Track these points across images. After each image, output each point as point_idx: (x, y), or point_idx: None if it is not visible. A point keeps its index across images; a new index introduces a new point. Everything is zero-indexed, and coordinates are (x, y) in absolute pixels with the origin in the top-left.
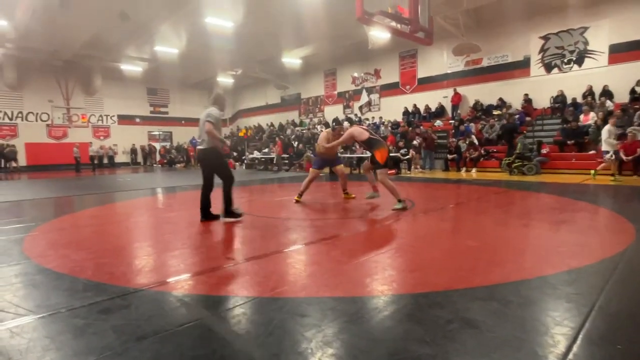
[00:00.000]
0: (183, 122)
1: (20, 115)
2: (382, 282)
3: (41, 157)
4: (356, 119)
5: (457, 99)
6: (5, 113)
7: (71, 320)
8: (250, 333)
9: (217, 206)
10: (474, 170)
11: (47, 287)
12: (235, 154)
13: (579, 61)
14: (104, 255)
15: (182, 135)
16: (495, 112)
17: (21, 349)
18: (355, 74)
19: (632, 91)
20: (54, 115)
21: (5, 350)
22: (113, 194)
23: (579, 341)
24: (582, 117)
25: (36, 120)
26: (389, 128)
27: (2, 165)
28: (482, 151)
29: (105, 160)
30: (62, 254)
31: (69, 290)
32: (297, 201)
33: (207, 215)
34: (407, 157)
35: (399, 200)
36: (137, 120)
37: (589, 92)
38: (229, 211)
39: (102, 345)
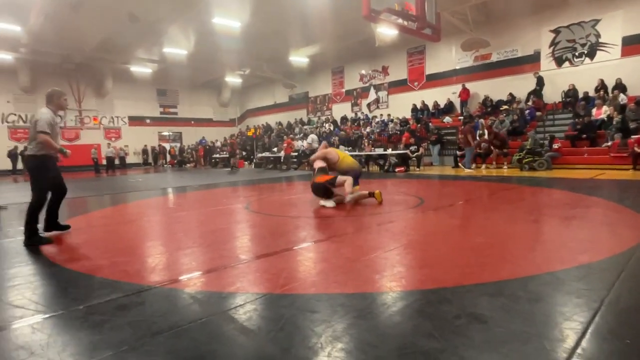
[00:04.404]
0: (192, 122)
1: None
2: (391, 278)
3: None
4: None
5: (465, 95)
6: (20, 116)
7: (89, 317)
8: (261, 328)
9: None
10: (483, 166)
11: (65, 285)
12: (244, 153)
13: (591, 54)
14: (118, 254)
15: (192, 136)
16: (503, 107)
17: (42, 344)
18: (363, 72)
19: None
20: (67, 118)
21: (28, 345)
22: (126, 195)
23: (587, 336)
24: (594, 111)
25: None
26: (398, 125)
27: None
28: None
29: (117, 162)
30: (79, 253)
31: (86, 288)
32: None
33: (53, 227)
34: (417, 154)
35: (334, 201)
36: (147, 121)
37: (601, 86)
38: (30, 237)
39: (119, 340)
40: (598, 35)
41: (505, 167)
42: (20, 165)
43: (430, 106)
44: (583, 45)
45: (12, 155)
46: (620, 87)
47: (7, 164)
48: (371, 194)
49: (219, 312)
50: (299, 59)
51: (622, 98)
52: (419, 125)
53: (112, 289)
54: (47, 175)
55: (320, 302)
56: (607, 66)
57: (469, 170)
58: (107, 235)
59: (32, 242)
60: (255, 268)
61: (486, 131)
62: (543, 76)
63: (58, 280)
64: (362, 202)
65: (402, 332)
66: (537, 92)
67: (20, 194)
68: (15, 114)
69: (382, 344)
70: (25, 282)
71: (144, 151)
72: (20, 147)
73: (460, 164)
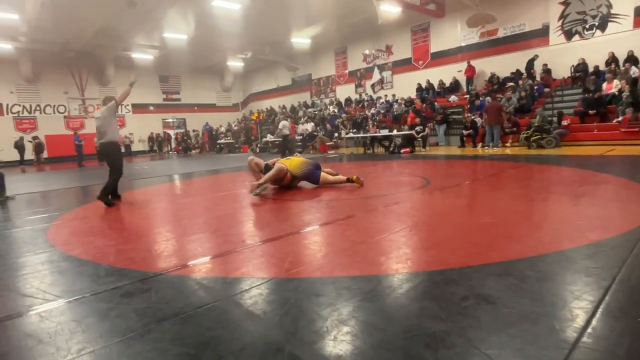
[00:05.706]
0: (196, 108)
1: (38, 108)
2: (396, 260)
3: (61, 149)
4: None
5: (470, 72)
6: (24, 106)
7: (96, 304)
8: (267, 313)
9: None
10: (491, 144)
11: (72, 273)
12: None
13: (602, 26)
14: (124, 242)
15: (196, 122)
16: (509, 85)
17: (50, 332)
18: (367, 52)
19: None
20: (70, 107)
21: (36, 333)
22: (131, 182)
23: (598, 314)
24: (604, 85)
25: (54, 113)
26: (403, 105)
27: (34, 158)
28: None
29: (123, 149)
30: (85, 241)
31: (93, 276)
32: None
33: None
34: (422, 134)
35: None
36: (151, 108)
37: (612, 59)
38: (106, 196)
39: (125, 327)
40: (609, 6)
41: (508, 144)
42: (27, 156)
43: (436, 85)
44: (594, 17)
45: (19, 146)
46: (632, 59)
47: (13, 155)
48: (349, 180)
49: (224, 298)
50: (301, 40)
51: (634, 71)
52: (424, 105)
53: (118, 276)
54: (122, 156)
55: (326, 286)
56: (619, 38)
57: (496, 149)
58: (114, 222)
59: (108, 202)
60: (260, 253)
61: None
62: (538, 55)
63: (65, 269)
64: (366, 184)
65: (408, 314)
66: (543, 69)
67: (28, 185)
68: (19, 105)
69: (388, 327)
70: (33, 271)
71: (150, 138)
72: (27, 138)
73: (479, 144)
